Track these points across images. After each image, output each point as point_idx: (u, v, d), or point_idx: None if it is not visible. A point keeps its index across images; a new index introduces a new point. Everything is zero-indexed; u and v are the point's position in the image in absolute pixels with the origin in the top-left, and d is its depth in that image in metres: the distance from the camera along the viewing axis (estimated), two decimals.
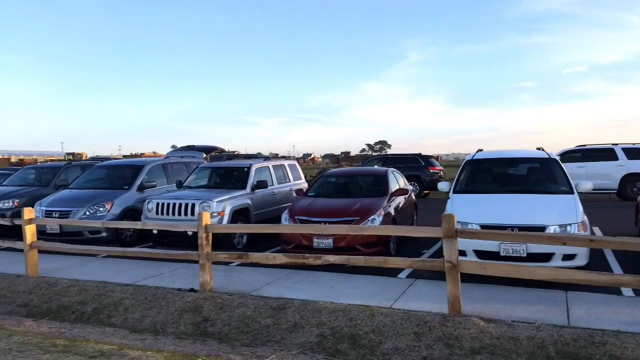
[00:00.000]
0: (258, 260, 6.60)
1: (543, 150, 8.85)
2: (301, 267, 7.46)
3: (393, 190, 9.36)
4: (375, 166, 17.71)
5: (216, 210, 9.03)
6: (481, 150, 9.17)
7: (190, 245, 7.78)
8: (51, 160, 22.20)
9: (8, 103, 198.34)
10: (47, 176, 13.00)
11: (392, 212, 8.67)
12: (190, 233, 8.15)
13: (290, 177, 12.05)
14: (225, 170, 11.20)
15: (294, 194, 10.24)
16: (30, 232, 7.72)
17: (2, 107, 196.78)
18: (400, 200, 9.54)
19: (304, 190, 10.19)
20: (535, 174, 8.30)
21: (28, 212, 7.81)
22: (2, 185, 12.93)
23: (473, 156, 8.73)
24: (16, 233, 8.51)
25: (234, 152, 19.28)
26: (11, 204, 11.32)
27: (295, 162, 13.17)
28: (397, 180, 10.28)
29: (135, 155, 28.84)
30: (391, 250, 8.28)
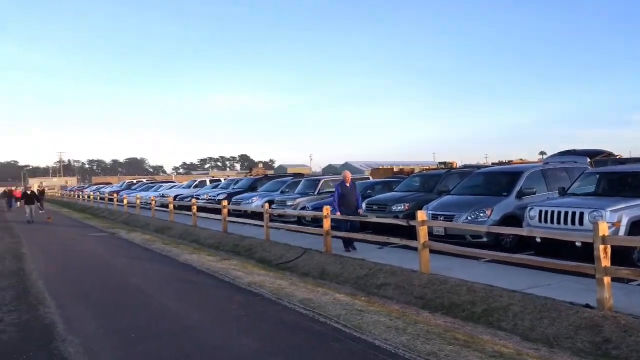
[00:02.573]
0: None
1: None
2: None
3: None
4: None
5: (610, 221, 8.00)
6: None
7: (577, 257, 7.15)
8: (426, 170, 24.57)
9: (390, 121, 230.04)
10: (429, 183, 14.36)
11: None
12: (578, 244, 7.49)
13: None
14: (620, 176, 9.83)
15: None
16: (423, 232, 8.58)
17: (386, 125, 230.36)
18: None
19: None
20: None
21: (421, 215, 8.70)
22: (395, 191, 14.94)
23: None
24: (406, 233, 9.61)
25: (616, 156, 16.89)
26: (403, 207, 12.94)
27: None
28: None
29: (503, 163, 28.78)
30: None
